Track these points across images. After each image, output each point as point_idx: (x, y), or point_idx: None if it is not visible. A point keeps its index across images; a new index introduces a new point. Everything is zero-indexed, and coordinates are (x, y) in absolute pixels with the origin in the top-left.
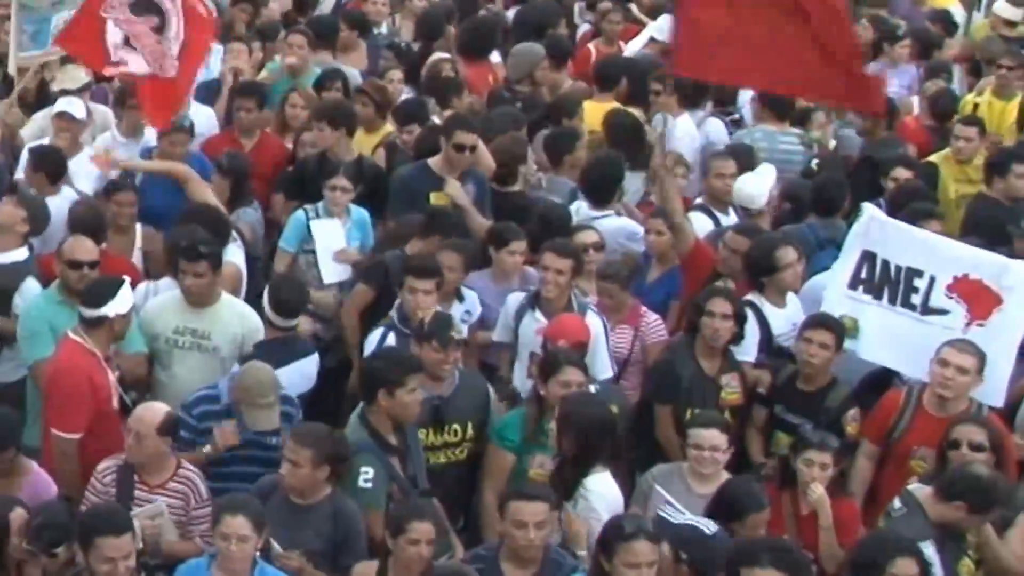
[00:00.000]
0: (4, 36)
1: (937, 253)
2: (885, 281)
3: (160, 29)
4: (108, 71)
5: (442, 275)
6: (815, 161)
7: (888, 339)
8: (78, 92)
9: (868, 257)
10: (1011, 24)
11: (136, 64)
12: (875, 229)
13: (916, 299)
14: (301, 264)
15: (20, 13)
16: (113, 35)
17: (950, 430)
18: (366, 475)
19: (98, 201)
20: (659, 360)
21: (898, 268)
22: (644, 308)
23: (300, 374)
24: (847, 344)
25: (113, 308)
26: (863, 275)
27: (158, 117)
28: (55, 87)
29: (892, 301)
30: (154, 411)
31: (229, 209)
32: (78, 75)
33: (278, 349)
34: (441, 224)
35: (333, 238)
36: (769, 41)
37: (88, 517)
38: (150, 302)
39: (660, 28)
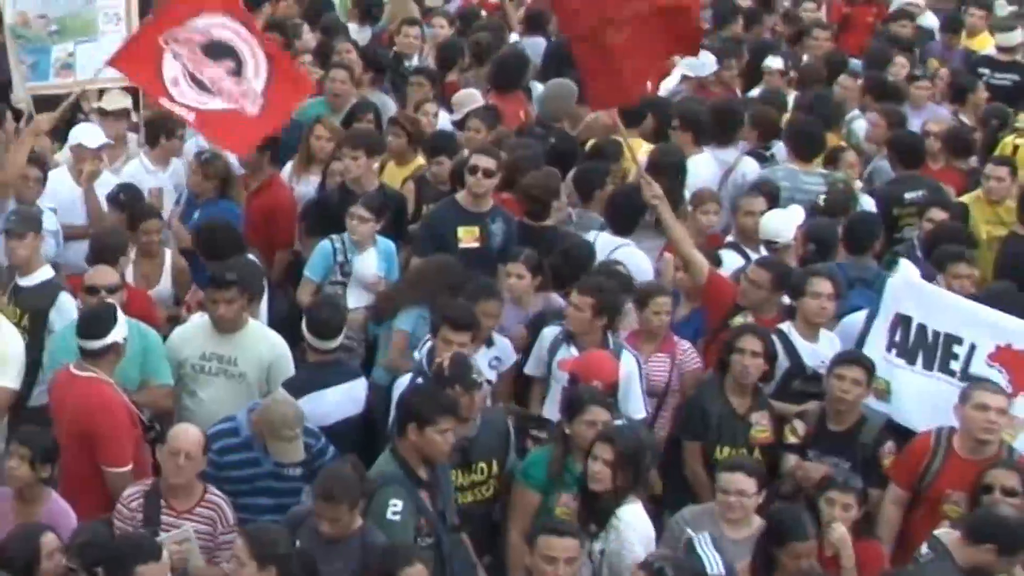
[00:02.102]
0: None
1: (976, 321)
2: (920, 346)
3: (236, 72)
4: (164, 103)
5: (479, 328)
6: (822, 197)
7: (922, 403)
8: (115, 116)
9: (903, 320)
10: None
11: (214, 104)
12: (908, 293)
13: (955, 365)
14: (328, 293)
15: (15, 43)
16: (171, 69)
17: (983, 475)
18: (394, 508)
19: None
20: (689, 396)
21: (936, 333)
22: (676, 337)
23: (347, 397)
24: (880, 407)
25: (119, 333)
26: (897, 338)
27: (240, 146)
28: (102, 105)
29: (928, 366)
30: (196, 432)
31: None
32: (121, 100)
33: (321, 372)
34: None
35: (368, 267)
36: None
37: (123, 546)
38: (177, 328)
39: (692, 65)
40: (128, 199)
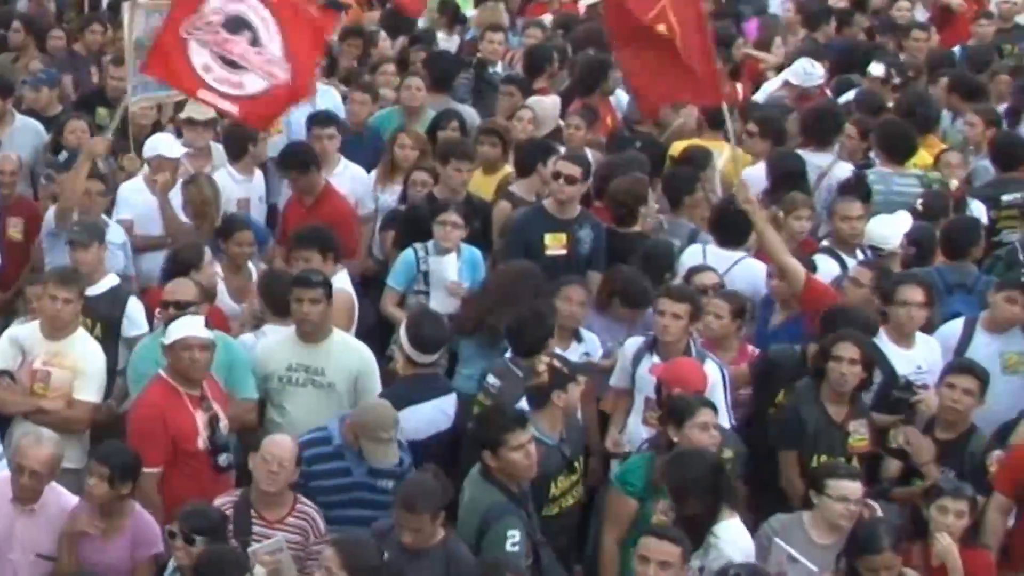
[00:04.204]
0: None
1: None
2: None
3: (255, 41)
4: (201, 94)
5: None
6: (920, 201)
7: None
8: (204, 126)
9: None
10: None
11: (251, 83)
12: None
13: None
14: (411, 303)
15: (142, 52)
16: (200, 57)
17: None
18: (513, 539)
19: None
20: (784, 405)
21: None
22: (751, 347)
23: (439, 411)
24: None
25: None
26: None
27: (263, 121)
28: (191, 115)
29: None
30: (288, 442)
31: None
32: (207, 109)
33: (418, 385)
34: None
35: (448, 270)
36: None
37: (211, 561)
38: (262, 341)
39: (798, 73)
40: None
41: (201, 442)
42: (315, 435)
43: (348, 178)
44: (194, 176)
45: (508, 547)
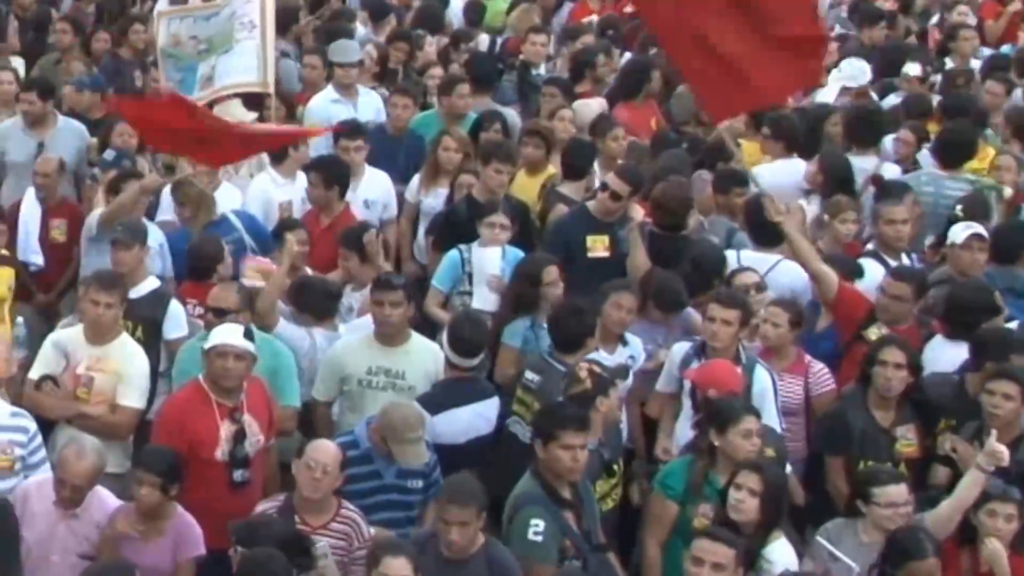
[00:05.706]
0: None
1: None
2: None
3: None
4: None
5: None
6: (959, 208)
7: None
8: None
9: None
10: None
11: None
12: None
13: None
14: (455, 304)
15: (165, 61)
16: None
17: None
18: (536, 528)
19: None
20: (831, 410)
21: None
22: (809, 357)
23: (479, 415)
24: None
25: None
26: None
27: None
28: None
29: None
30: (332, 447)
31: None
32: (240, 112)
33: (458, 389)
34: None
35: (491, 264)
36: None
37: (251, 568)
38: (338, 344)
39: (851, 76)
40: None
41: (220, 453)
42: (342, 440)
43: (375, 184)
44: (183, 178)
45: (530, 535)
